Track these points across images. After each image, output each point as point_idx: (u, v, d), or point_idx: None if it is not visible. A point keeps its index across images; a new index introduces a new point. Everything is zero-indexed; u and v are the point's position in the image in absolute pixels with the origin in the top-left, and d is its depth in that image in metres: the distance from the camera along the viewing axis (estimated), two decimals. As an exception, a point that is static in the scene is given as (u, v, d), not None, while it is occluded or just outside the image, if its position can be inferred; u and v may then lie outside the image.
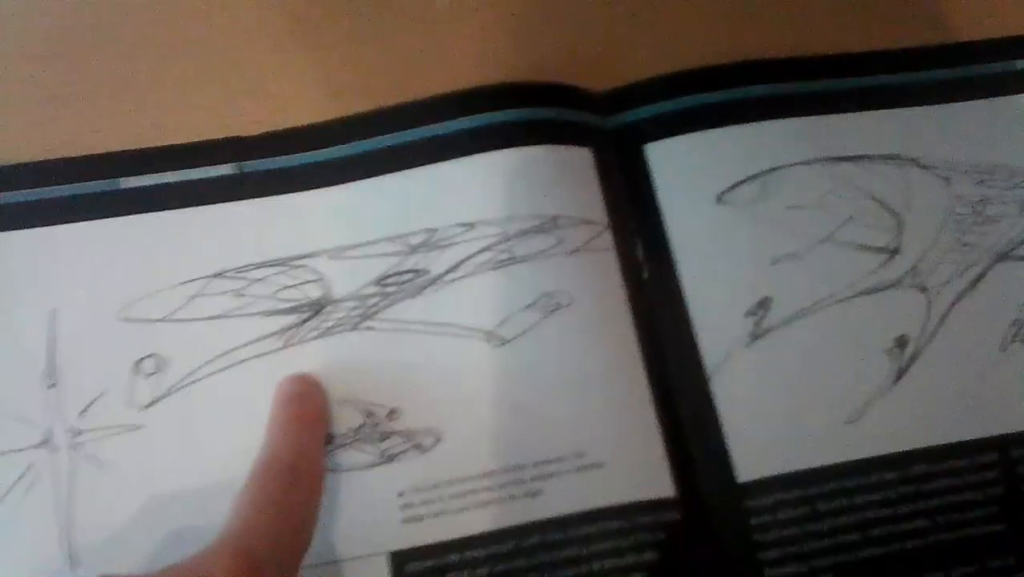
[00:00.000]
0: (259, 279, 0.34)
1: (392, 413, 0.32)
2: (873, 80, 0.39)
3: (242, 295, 0.33)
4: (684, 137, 0.37)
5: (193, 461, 0.31)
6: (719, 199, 0.36)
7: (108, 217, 0.34)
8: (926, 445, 0.32)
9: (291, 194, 0.35)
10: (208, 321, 0.33)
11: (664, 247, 0.35)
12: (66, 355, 0.32)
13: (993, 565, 0.31)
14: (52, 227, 0.34)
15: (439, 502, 0.30)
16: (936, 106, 0.38)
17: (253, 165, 0.36)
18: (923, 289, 0.35)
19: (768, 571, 0.30)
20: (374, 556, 0.30)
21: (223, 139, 0.36)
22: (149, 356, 0.32)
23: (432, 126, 0.36)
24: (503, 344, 0.32)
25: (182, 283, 0.33)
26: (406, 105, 0.37)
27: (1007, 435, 0.32)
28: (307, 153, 0.36)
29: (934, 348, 0.34)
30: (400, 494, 0.31)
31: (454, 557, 0.30)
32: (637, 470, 0.31)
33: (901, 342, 0.34)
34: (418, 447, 0.31)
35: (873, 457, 0.32)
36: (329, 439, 0.31)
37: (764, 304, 0.34)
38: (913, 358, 0.33)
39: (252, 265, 0.34)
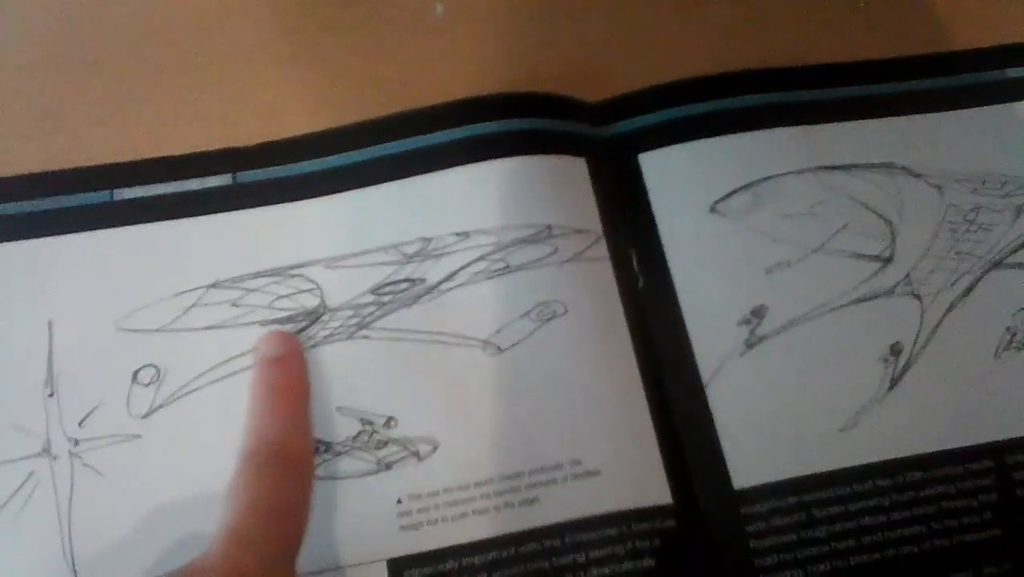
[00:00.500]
0: (255, 289, 0.34)
1: (389, 421, 0.32)
2: (865, 89, 0.39)
3: (238, 305, 0.33)
4: (678, 147, 0.37)
5: (191, 470, 0.31)
6: (713, 208, 0.36)
7: (104, 228, 0.34)
8: (920, 452, 0.32)
9: (286, 204, 0.35)
10: (205, 331, 0.33)
11: (658, 256, 0.35)
12: (64, 365, 0.32)
13: (988, 571, 0.31)
14: (48, 238, 0.34)
15: (436, 509, 0.30)
16: (928, 115, 0.39)
17: (248, 176, 0.36)
18: (916, 297, 0.35)
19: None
20: (372, 563, 0.30)
21: (218, 150, 0.36)
22: (147, 366, 0.32)
23: (427, 136, 0.36)
24: (499, 353, 0.33)
25: (178, 293, 0.33)
26: (400, 115, 0.37)
27: (1001, 441, 0.32)
28: (302, 163, 0.36)
29: (928, 356, 0.34)
30: (398, 501, 0.31)
31: (452, 564, 0.30)
32: (634, 477, 0.31)
33: (895, 350, 0.34)
34: (415, 455, 0.31)
35: (868, 464, 0.32)
36: (327, 447, 0.31)
37: (758, 312, 0.34)
38: (907, 366, 0.34)
39: (248, 275, 0.34)
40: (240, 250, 0.34)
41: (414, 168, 0.35)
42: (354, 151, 0.36)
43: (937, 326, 0.34)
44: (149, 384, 0.32)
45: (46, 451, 0.31)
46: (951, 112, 0.39)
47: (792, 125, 0.38)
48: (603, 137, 0.37)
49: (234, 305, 0.33)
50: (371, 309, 0.33)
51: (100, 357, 0.32)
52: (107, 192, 0.35)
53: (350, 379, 0.32)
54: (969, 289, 0.35)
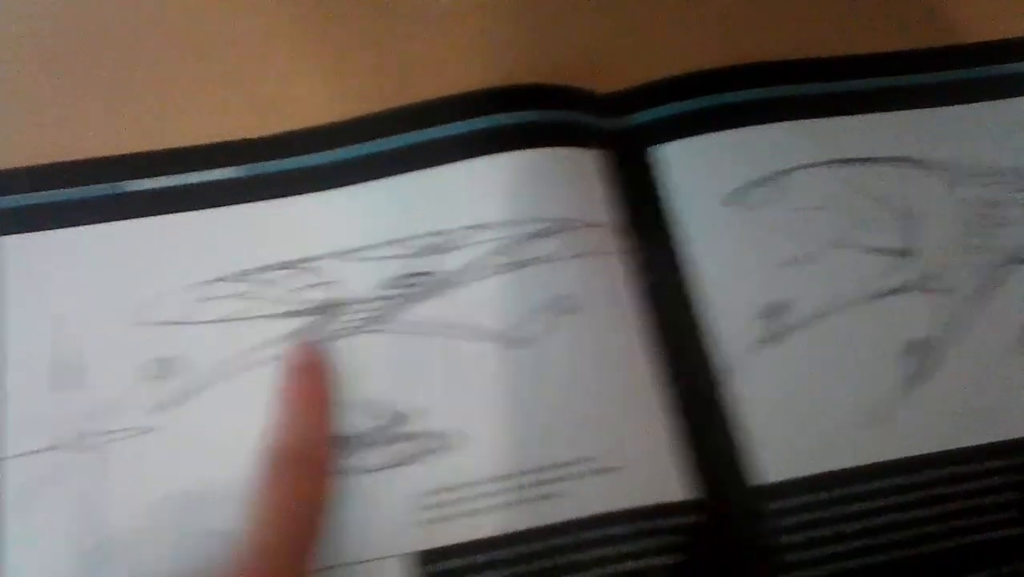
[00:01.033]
0: (267, 282, 0.33)
1: (407, 416, 0.31)
2: (882, 82, 0.39)
3: (250, 298, 0.33)
4: (692, 140, 0.37)
5: (207, 463, 0.31)
6: (728, 201, 0.35)
7: (113, 220, 0.34)
8: (943, 448, 0.32)
9: (297, 196, 0.35)
10: (216, 324, 0.32)
11: (673, 250, 0.35)
12: (76, 359, 0.32)
13: (1009, 570, 0.30)
14: (57, 231, 0.34)
15: (457, 504, 0.30)
16: (944, 108, 0.38)
17: (259, 168, 0.35)
18: (936, 292, 0.34)
19: (787, 574, 0.30)
20: (393, 557, 0.29)
21: (228, 142, 0.36)
22: (158, 359, 0.32)
23: (438, 128, 0.36)
24: (514, 347, 0.32)
25: (189, 286, 0.33)
26: (411, 107, 0.36)
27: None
28: (312, 155, 0.36)
29: (949, 351, 0.33)
30: (418, 496, 0.30)
31: (477, 558, 0.29)
32: (653, 473, 0.31)
33: (915, 345, 0.33)
34: (434, 450, 0.31)
35: (890, 461, 0.31)
36: (345, 442, 0.31)
37: (776, 307, 0.34)
38: (928, 361, 0.33)
39: (259, 268, 0.33)
40: (251, 243, 0.34)
41: (425, 161, 0.35)
42: (363, 144, 0.36)
43: (957, 321, 0.34)
44: (161, 378, 0.32)
45: (60, 446, 0.31)
46: (967, 105, 0.38)
47: (806, 118, 0.37)
48: (615, 129, 0.37)
49: (245, 298, 0.33)
50: (384, 303, 0.33)
51: (111, 350, 0.32)
52: (114, 184, 0.35)
53: (366, 373, 0.32)
54: (988, 284, 0.35)
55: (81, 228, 0.34)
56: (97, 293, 0.33)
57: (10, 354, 0.32)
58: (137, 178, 0.35)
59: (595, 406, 0.31)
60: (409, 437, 0.31)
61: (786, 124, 0.37)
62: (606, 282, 0.34)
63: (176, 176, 0.35)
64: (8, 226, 0.34)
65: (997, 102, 0.38)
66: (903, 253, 0.35)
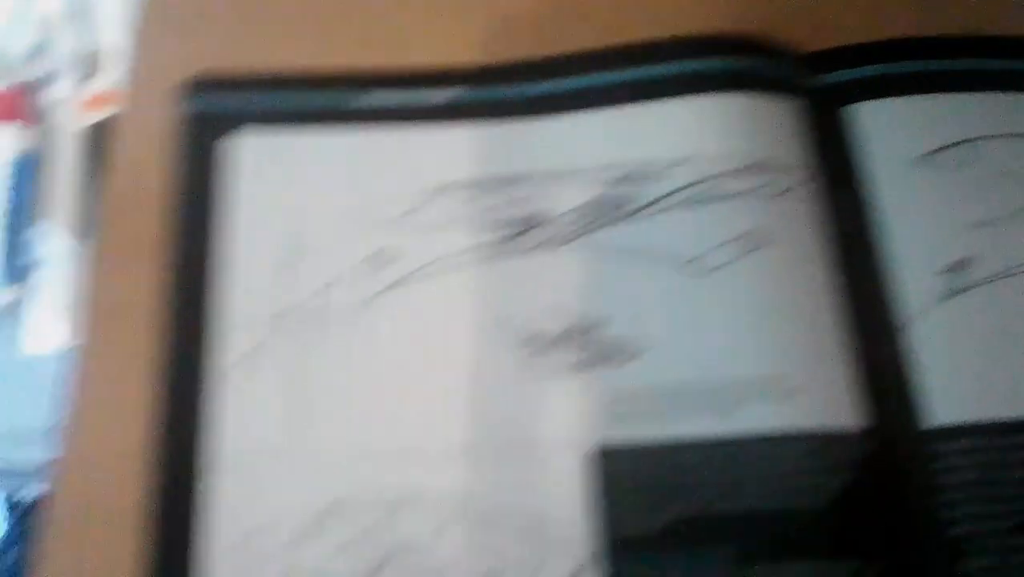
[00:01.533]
0: (480, 194, 0.36)
1: (597, 324, 0.34)
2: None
3: (465, 206, 0.36)
4: (888, 100, 0.38)
5: (410, 350, 0.34)
6: (921, 162, 0.37)
7: (353, 127, 0.38)
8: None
9: (517, 121, 0.38)
10: (432, 228, 0.36)
11: (861, 202, 0.36)
12: (301, 244, 0.36)
13: None
14: (299, 134, 0.38)
15: (642, 406, 0.32)
16: None
17: (484, 92, 0.39)
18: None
19: (947, 512, 0.31)
20: (578, 450, 0.32)
21: (460, 66, 0.39)
22: (375, 252, 0.35)
23: (646, 67, 0.38)
24: (703, 271, 0.34)
25: (412, 193, 0.36)
26: (629, 45, 0.39)
27: None
28: (534, 83, 0.39)
29: None
30: (602, 399, 0.33)
31: (655, 458, 0.32)
32: (830, 400, 0.32)
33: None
34: (621, 356, 0.33)
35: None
36: (535, 343, 0.34)
37: (961, 263, 0.35)
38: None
39: (476, 180, 0.37)
40: (470, 159, 0.37)
41: (639, 96, 0.37)
42: (584, 76, 0.38)
43: None
44: (376, 270, 0.35)
45: (278, 317, 0.34)
46: None
47: (1001, 92, 0.38)
48: (812, 86, 0.39)
49: (461, 205, 0.36)
50: (583, 222, 0.36)
51: (334, 240, 0.36)
52: (355, 95, 0.38)
53: (558, 284, 0.35)
54: None
55: (326, 130, 0.38)
56: (328, 191, 0.37)
57: (241, 237, 0.36)
58: (376, 90, 0.39)
59: (778, 332, 0.33)
60: (599, 343, 0.34)
61: (978, 95, 0.38)
62: (796, 222, 0.35)
63: (409, 92, 0.38)
64: (259, 124, 0.38)
65: None
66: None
